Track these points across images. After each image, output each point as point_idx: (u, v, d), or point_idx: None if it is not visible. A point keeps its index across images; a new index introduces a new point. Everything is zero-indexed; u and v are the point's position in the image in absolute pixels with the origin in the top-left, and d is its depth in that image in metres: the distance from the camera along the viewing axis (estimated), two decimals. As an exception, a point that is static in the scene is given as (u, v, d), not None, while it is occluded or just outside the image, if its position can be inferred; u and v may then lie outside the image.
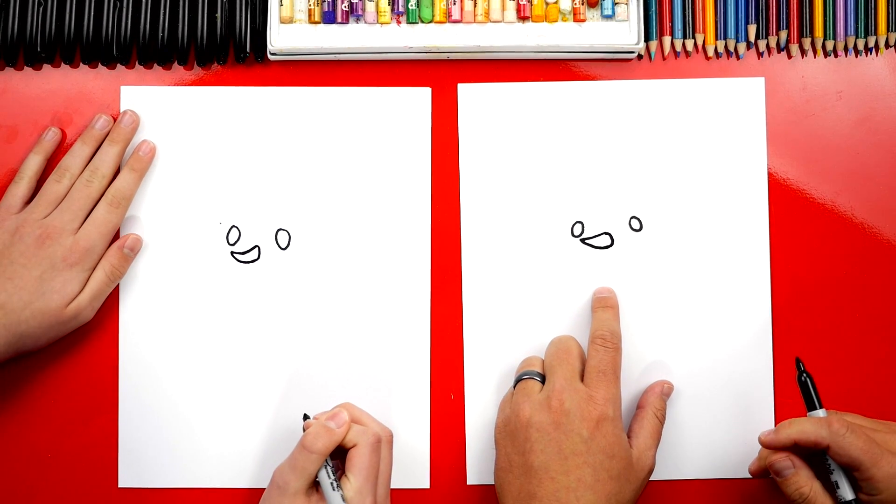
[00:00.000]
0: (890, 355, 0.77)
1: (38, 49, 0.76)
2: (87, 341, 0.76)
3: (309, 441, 0.67)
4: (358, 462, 0.67)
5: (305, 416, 0.71)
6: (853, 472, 0.66)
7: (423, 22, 0.76)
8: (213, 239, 0.77)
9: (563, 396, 0.70)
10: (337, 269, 0.77)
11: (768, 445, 0.69)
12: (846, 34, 0.77)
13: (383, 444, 0.70)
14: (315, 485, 0.67)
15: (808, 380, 0.70)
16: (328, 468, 0.67)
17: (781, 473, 0.68)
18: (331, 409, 0.71)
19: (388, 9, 0.76)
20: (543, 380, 0.72)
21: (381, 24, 0.76)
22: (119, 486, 0.76)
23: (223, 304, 0.77)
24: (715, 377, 0.76)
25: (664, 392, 0.75)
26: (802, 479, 0.67)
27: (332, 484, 0.67)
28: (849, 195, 0.77)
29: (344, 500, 0.66)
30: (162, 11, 0.76)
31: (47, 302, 0.71)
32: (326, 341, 0.77)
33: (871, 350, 0.77)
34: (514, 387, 0.73)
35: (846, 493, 0.67)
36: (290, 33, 0.76)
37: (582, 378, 0.72)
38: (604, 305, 0.75)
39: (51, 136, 0.76)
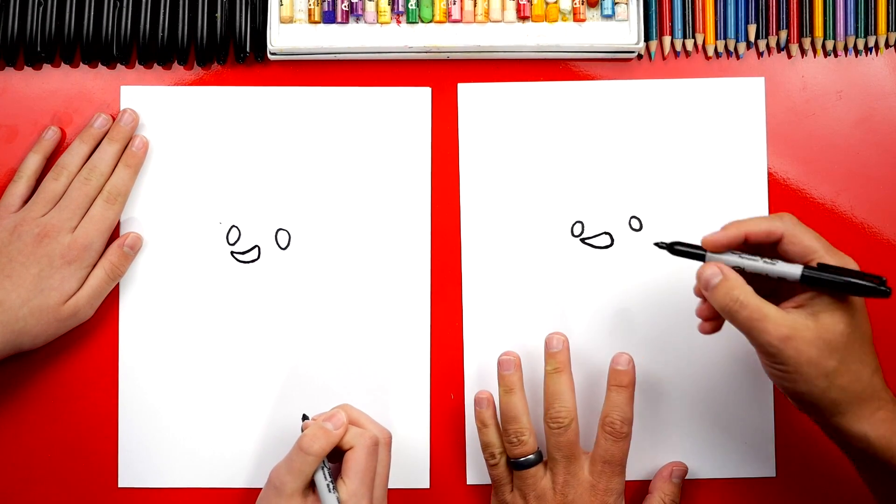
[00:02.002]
0: (890, 355, 0.77)
1: (38, 49, 0.76)
2: (87, 341, 0.76)
3: (306, 443, 0.67)
4: (354, 465, 0.67)
5: (304, 417, 0.71)
6: (807, 264, 0.63)
7: (423, 22, 0.76)
8: (213, 239, 0.77)
9: (566, 489, 0.71)
10: (337, 269, 0.77)
11: (715, 245, 0.64)
12: (846, 34, 0.77)
13: (381, 446, 0.69)
14: (311, 486, 0.67)
15: (677, 246, 0.66)
16: (325, 470, 0.67)
17: (710, 282, 0.63)
18: (329, 410, 0.71)
19: (388, 9, 0.76)
20: (539, 456, 0.72)
21: (381, 23, 0.76)
22: (119, 486, 0.76)
23: (223, 304, 0.77)
24: (715, 376, 0.76)
25: (674, 475, 0.75)
26: (733, 283, 0.63)
27: (328, 486, 0.66)
28: (849, 195, 0.77)
29: (339, 502, 0.66)
30: (162, 11, 0.76)
31: (45, 299, 0.71)
32: (326, 341, 0.77)
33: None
34: (509, 466, 0.73)
35: (793, 270, 0.62)
36: (290, 33, 0.76)
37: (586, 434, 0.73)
38: (619, 384, 0.72)
39: (50, 136, 0.76)
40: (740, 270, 0.64)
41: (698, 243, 0.65)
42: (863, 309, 0.64)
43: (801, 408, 0.65)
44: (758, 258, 0.64)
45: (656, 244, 0.67)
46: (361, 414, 0.72)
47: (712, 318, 0.68)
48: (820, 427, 0.66)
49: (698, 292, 0.67)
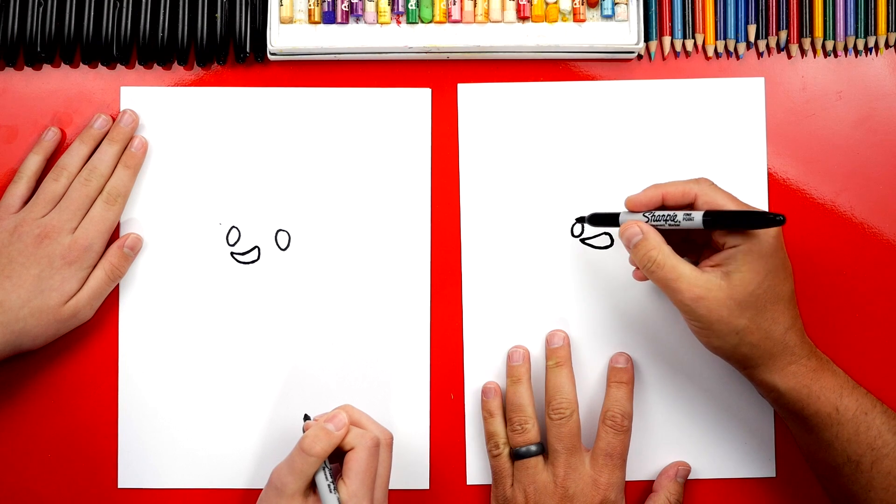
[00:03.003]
0: (891, 354, 0.77)
1: (38, 49, 0.76)
2: (87, 341, 0.76)
3: (307, 444, 0.67)
4: (355, 466, 0.67)
5: (306, 417, 0.70)
6: None
7: (423, 22, 0.76)
8: (213, 239, 0.77)
9: (567, 482, 0.71)
10: (337, 269, 0.77)
11: (634, 203, 0.68)
12: (846, 34, 0.77)
13: (382, 447, 0.69)
14: (312, 486, 0.67)
15: (593, 216, 0.71)
16: (326, 470, 0.67)
17: (631, 241, 0.68)
18: (330, 410, 0.71)
19: (388, 9, 0.76)
20: (541, 448, 0.73)
21: (381, 24, 0.76)
22: (119, 486, 0.76)
23: (223, 304, 0.77)
24: (715, 376, 0.76)
25: (679, 475, 0.75)
26: (650, 243, 0.67)
27: (328, 486, 0.66)
28: (849, 195, 0.77)
29: (340, 502, 0.66)
30: (162, 11, 0.76)
31: (45, 300, 0.72)
32: (326, 342, 0.77)
33: (872, 349, 0.77)
34: (511, 458, 0.73)
35: (696, 216, 0.66)
36: (290, 33, 0.76)
37: (588, 433, 0.74)
38: (619, 381, 0.74)
39: (51, 137, 0.76)
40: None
41: (615, 219, 0.70)
42: (779, 270, 0.66)
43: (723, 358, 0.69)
44: (666, 212, 0.68)
45: (578, 220, 0.73)
46: (363, 415, 0.71)
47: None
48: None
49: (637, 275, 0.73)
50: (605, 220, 0.71)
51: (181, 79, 0.78)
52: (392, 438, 0.71)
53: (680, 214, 0.67)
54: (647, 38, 0.77)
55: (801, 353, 0.68)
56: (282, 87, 0.78)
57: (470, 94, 0.78)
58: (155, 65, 0.78)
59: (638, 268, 0.69)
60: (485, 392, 0.75)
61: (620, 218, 0.69)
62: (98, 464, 0.76)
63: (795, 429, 0.69)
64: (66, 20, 0.76)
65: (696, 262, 0.69)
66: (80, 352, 0.76)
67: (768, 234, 0.65)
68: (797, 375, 0.67)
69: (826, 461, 0.68)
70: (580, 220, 0.72)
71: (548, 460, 0.72)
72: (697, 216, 0.66)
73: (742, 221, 0.65)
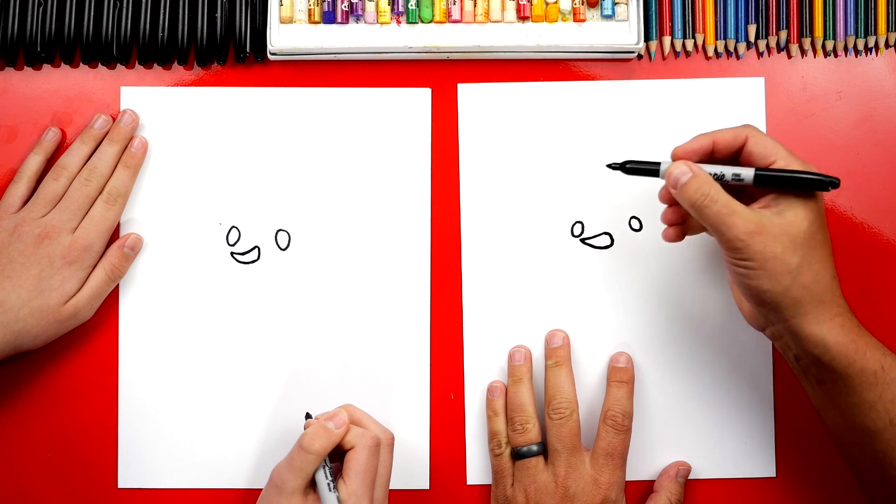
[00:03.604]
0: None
1: (38, 49, 0.76)
2: (87, 341, 0.76)
3: (307, 442, 0.67)
4: (355, 465, 0.67)
5: (308, 415, 0.70)
6: (770, 166, 0.66)
7: (423, 22, 0.76)
8: (212, 239, 0.77)
9: (567, 482, 0.71)
10: (337, 269, 0.77)
11: (685, 153, 0.67)
12: (846, 34, 0.77)
13: (383, 446, 0.69)
14: (312, 485, 0.67)
15: (629, 164, 0.68)
16: (326, 469, 0.67)
17: (679, 180, 0.65)
18: (331, 409, 0.71)
19: (388, 9, 0.76)
20: (542, 447, 0.73)
21: (381, 24, 0.76)
22: (119, 486, 0.76)
23: (223, 304, 0.77)
24: (715, 376, 0.76)
25: (679, 475, 0.75)
26: (702, 179, 0.65)
27: (328, 485, 0.66)
28: (849, 195, 0.77)
29: (339, 501, 0.66)
30: (162, 11, 0.76)
31: (45, 300, 0.72)
32: (326, 342, 0.77)
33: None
34: (512, 458, 0.74)
35: (747, 171, 0.65)
36: (290, 33, 0.76)
37: (588, 431, 0.73)
38: (619, 380, 0.74)
39: (51, 137, 0.76)
40: None
41: (654, 168, 0.68)
42: (824, 214, 0.65)
43: (762, 311, 0.66)
44: (714, 170, 0.66)
45: (608, 165, 0.69)
46: (364, 414, 0.71)
47: (677, 223, 0.70)
48: (777, 339, 0.67)
49: (664, 196, 0.69)
50: (643, 168, 0.68)
51: (181, 79, 0.78)
52: (393, 438, 0.71)
53: (729, 173, 0.65)
54: (647, 38, 0.77)
55: (844, 307, 0.65)
56: (282, 87, 0.78)
57: (470, 94, 0.78)
58: (155, 65, 0.78)
59: (686, 207, 0.66)
60: (490, 391, 0.76)
61: (662, 167, 0.67)
62: (98, 464, 0.76)
63: (833, 392, 0.65)
64: (66, 20, 0.76)
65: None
66: (80, 352, 0.76)
67: None
68: (845, 328, 0.64)
69: (864, 426, 0.65)
70: (611, 166, 0.69)
71: (548, 460, 0.72)
72: (748, 176, 0.65)
73: (796, 182, 0.64)
